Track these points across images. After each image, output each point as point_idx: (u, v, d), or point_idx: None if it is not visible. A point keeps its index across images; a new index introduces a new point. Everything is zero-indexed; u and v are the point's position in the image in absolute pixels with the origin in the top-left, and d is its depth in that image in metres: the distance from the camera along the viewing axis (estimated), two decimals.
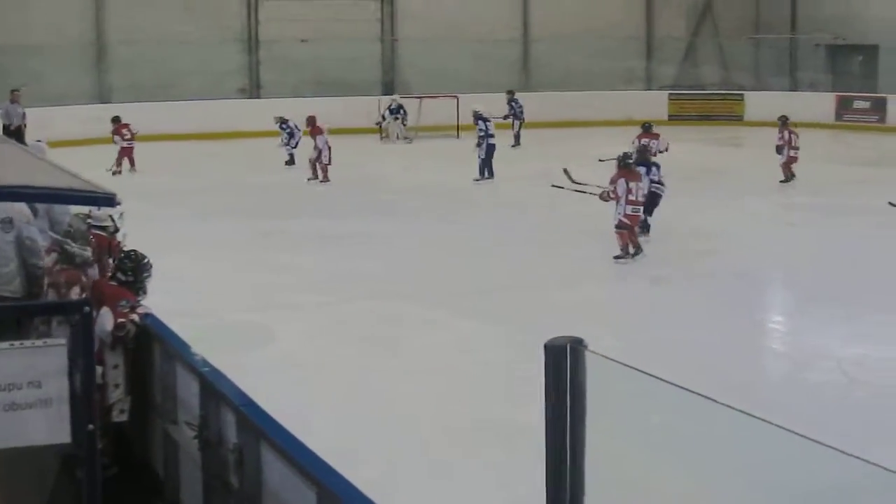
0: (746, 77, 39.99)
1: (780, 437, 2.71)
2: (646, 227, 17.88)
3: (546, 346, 3.02)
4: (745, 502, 2.94)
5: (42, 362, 3.35)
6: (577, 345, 2.97)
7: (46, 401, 3.36)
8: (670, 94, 38.86)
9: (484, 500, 7.86)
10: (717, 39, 40.66)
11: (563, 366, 2.97)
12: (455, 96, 34.21)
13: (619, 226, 16.55)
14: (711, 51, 40.82)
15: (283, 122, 27.99)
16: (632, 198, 16.48)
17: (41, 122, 28.30)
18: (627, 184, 16.50)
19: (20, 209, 8.66)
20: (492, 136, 24.99)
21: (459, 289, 15.10)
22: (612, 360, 2.87)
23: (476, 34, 37.53)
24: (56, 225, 10.05)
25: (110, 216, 8.46)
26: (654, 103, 37.54)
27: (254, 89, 36.96)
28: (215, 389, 6.43)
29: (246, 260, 16.90)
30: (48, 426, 3.38)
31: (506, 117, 31.73)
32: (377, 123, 33.46)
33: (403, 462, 8.77)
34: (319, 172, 25.48)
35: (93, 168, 24.00)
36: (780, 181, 24.14)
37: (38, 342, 3.50)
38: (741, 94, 38.40)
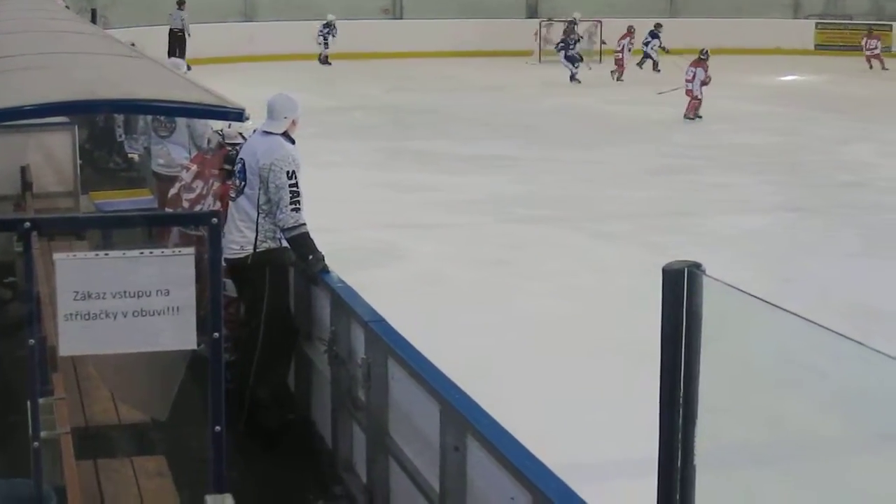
0: None
1: None
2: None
3: (664, 270, 3.01)
4: (866, 441, 2.85)
5: (171, 270, 3.43)
6: (695, 269, 2.95)
7: (174, 308, 3.44)
8: (817, 23, 37.74)
9: (605, 420, 7.87)
10: None
11: (681, 290, 2.97)
12: (598, 21, 33.80)
13: None
14: None
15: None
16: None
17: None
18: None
19: None
20: None
21: (599, 214, 15.02)
22: (730, 286, 2.83)
23: None
24: (197, 139, 10.32)
25: (240, 133, 8.46)
26: (801, 32, 36.64)
27: (397, 10, 36.93)
28: (346, 306, 6.51)
29: (380, 179, 16.98)
30: (175, 333, 3.46)
31: None
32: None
33: (526, 380, 8.80)
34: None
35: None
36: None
37: (168, 251, 3.58)
38: (890, 25, 37.10)
